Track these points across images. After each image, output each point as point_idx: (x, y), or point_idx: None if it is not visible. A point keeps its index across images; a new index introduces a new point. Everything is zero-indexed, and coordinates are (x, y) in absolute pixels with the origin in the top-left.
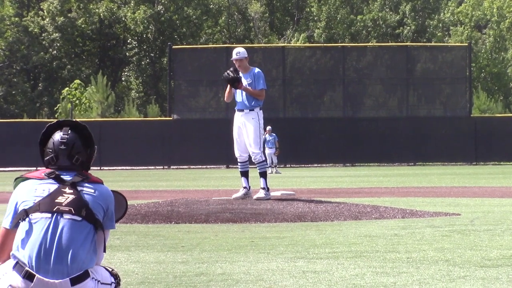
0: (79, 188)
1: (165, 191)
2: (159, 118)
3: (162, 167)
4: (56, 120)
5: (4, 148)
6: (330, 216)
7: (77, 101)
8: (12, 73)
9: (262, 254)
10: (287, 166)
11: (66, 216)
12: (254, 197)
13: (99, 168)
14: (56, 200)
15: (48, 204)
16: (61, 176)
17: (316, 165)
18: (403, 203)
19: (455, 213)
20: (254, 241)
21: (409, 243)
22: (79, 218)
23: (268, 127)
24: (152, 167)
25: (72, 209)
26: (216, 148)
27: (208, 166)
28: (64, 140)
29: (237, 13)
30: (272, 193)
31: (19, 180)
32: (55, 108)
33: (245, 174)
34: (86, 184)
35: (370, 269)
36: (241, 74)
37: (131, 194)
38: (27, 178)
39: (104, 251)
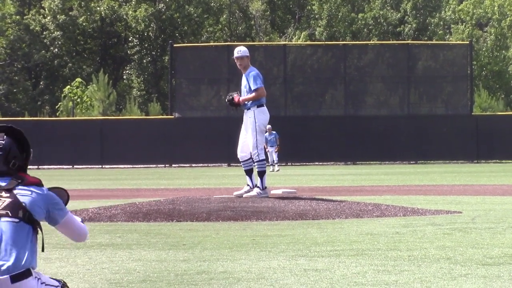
0: (15, 192)
1: (167, 189)
2: (160, 117)
3: (163, 165)
4: None
5: None
6: (331, 214)
7: (78, 100)
8: (13, 71)
9: (263, 252)
10: (288, 164)
11: (4, 219)
12: (245, 194)
13: (100, 166)
14: None
15: None
16: None
17: (317, 163)
18: (404, 201)
19: (457, 211)
20: (255, 239)
21: (411, 241)
22: (16, 220)
23: (268, 126)
24: (154, 166)
25: (8, 212)
26: (217, 146)
27: (209, 164)
28: (1, 146)
29: (238, 11)
30: (273, 191)
31: None
32: (57, 107)
33: (248, 172)
34: (22, 187)
35: (372, 267)
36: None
37: (133, 193)
38: None
39: (83, 222)
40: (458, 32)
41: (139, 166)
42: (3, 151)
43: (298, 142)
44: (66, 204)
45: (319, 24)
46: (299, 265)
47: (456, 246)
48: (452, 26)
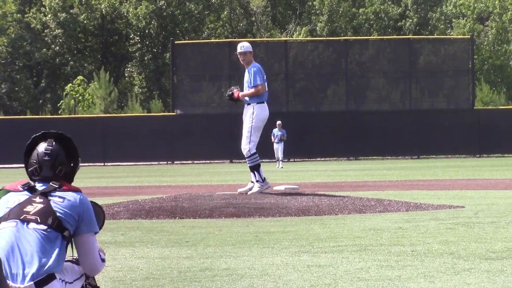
0: (49, 197)
1: (169, 186)
2: (162, 114)
3: (165, 162)
4: (42, 131)
5: (8, 145)
6: (334, 209)
7: (80, 97)
8: (15, 70)
9: (266, 248)
10: (290, 160)
11: (32, 224)
12: (248, 193)
13: (102, 164)
14: (25, 209)
15: (16, 213)
16: (35, 186)
17: (319, 159)
18: (407, 196)
19: (459, 205)
20: (258, 236)
21: (414, 236)
22: (44, 227)
23: (278, 122)
24: (156, 163)
25: (38, 218)
26: (219, 143)
27: (211, 161)
28: (48, 152)
29: (239, 7)
30: (275, 187)
31: (1, 192)
32: (58, 105)
33: (251, 168)
34: (57, 193)
35: (375, 263)
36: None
37: (135, 190)
38: (8, 191)
39: (103, 260)
40: (459, 27)
41: (141, 163)
42: (51, 157)
43: (300, 138)
44: (101, 225)
45: (320, 20)
46: (302, 261)
47: (459, 240)
48: (453, 20)
